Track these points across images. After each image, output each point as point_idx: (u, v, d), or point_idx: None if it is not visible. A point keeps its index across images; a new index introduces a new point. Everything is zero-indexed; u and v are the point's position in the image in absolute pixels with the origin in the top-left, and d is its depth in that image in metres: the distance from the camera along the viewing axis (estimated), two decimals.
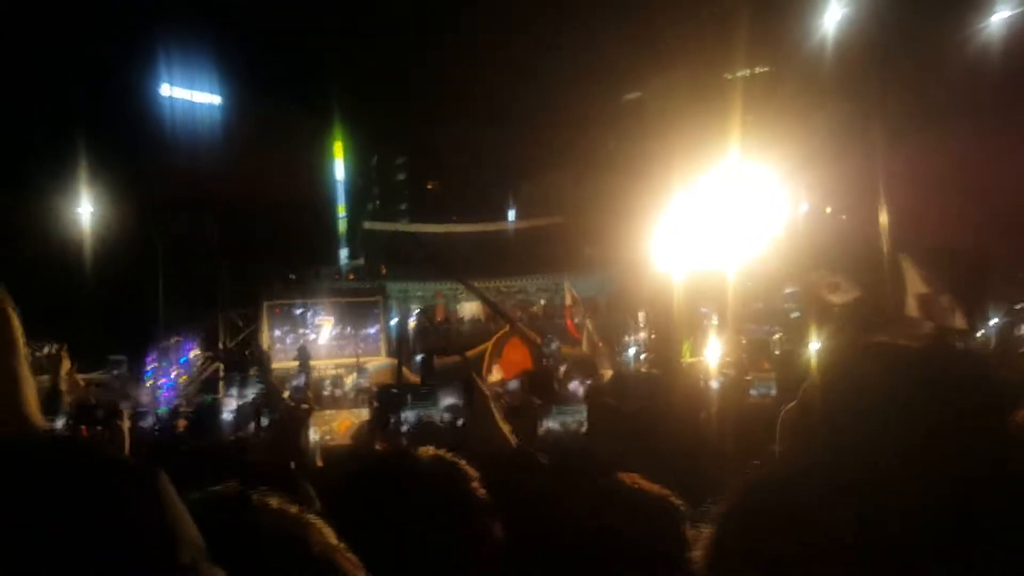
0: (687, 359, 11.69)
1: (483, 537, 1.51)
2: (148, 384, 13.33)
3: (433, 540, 1.41)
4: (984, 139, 11.90)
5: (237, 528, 0.84)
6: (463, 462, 1.57)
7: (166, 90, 23.01)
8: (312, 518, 0.91)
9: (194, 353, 15.21)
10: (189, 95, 23.49)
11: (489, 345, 17.40)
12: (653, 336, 15.70)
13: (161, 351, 14.00)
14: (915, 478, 0.87)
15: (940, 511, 0.84)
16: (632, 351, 16.05)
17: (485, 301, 19.04)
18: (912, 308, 8.50)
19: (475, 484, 1.56)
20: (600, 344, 11.98)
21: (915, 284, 8.74)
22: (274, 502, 0.92)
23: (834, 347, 1.16)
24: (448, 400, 8.75)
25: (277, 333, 19.78)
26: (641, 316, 17.29)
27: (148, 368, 13.19)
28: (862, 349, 1.02)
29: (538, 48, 23.59)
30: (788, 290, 14.55)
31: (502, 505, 1.72)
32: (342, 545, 0.91)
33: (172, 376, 13.74)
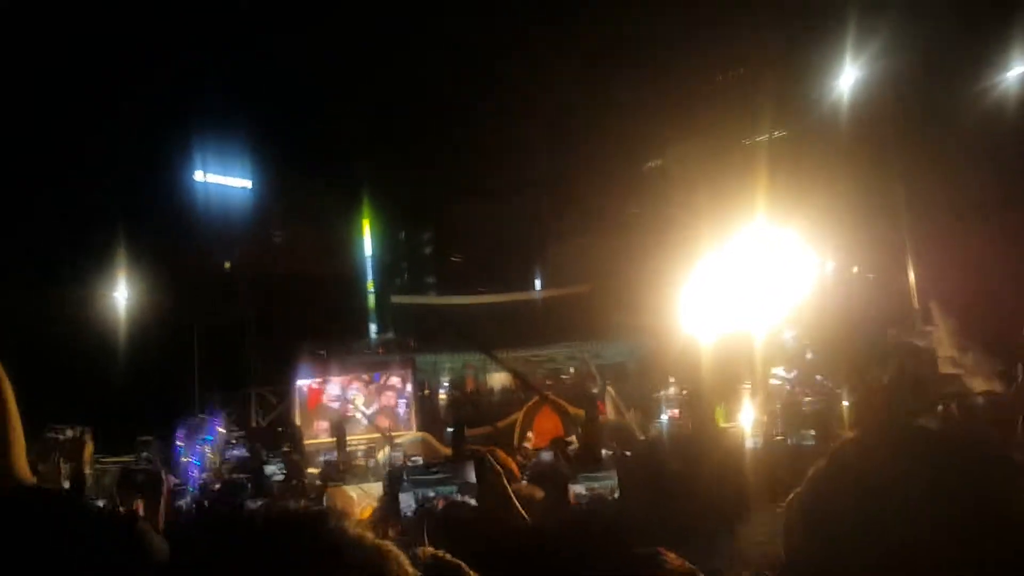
0: (721, 423, 11.50)
1: None
2: (182, 461, 13.37)
3: None
4: (1014, 199, 11.81)
5: (316, 551, 0.82)
6: (463, 566, 1.51)
7: (199, 176, 23.72)
8: (390, 546, 0.89)
9: (221, 429, 15.26)
10: (222, 180, 24.19)
11: (520, 415, 17.29)
12: (684, 393, 15.47)
13: (189, 429, 14.07)
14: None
15: None
16: (666, 416, 15.81)
17: (511, 372, 19.00)
18: (944, 366, 8.32)
19: None
20: (626, 411, 11.85)
21: (944, 342, 8.57)
22: (351, 526, 0.89)
23: (865, 432, 1.11)
24: (464, 479, 8.61)
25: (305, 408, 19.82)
26: (672, 381, 17.10)
27: (178, 445, 13.24)
28: (879, 437, 1.00)
29: (558, 121, 24.05)
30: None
31: None
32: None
33: (199, 452, 13.77)
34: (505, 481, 2.42)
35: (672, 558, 2.32)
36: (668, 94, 20.22)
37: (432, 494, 8.02)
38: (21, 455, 0.79)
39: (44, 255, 17.58)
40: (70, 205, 17.89)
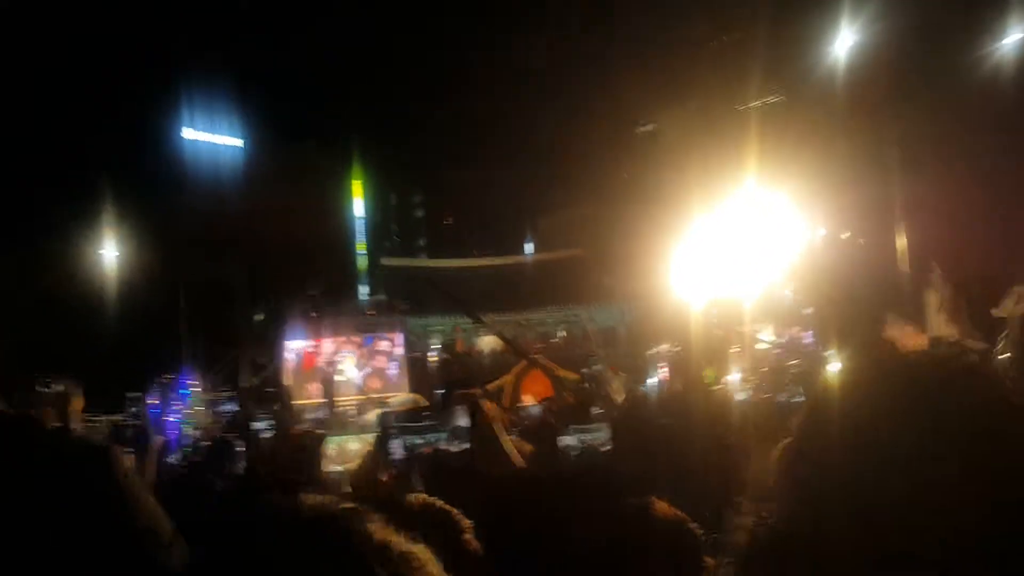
0: (710, 383, 11.62)
1: None
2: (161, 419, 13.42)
3: None
4: (1005, 159, 11.83)
5: (340, 556, 0.77)
6: (455, 512, 1.50)
7: (188, 133, 23.45)
8: (417, 552, 0.84)
9: (194, 386, 15.30)
10: (211, 138, 23.92)
11: (510, 377, 17.40)
12: (678, 349, 15.56)
13: (162, 389, 14.10)
14: (940, 514, 0.80)
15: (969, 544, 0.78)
16: (654, 378, 15.94)
17: (500, 337, 19.08)
18: (933, 326, 8.41)
19: (467, 536, 1.50)
20: (613, 371, 11.97)
21: (934, 302, 8.66)
22: (378, 530, 0.83)
23: (850, 368, 1.08)
24: (454, 424, 8.68)
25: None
26: (664, 346, 17.22)
27: (153, 405, 13.29)
28: (866, 372, 0.96)
29: (552, 83, 23.84)
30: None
31: (508, 530, 1.69)
32: None
33: (179, 410, 13.84)
34: (496, 427, 2.43)
35: (664, 507, 2.36)
36: (661, 58, 20.04)
37: (420, 440, 8.08)
38: None
39: (33, 212, 17.44)
40: (59, 162, 17.70)
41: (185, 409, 14.05)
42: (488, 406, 2.77)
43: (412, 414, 13.37)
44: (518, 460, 2.41)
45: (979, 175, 11.59)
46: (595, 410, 11.11)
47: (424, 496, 1.53)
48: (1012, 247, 10.27)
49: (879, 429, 0.89)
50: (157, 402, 13.22)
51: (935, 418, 0.87)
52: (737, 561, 1.23)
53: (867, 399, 0.93)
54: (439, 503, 1.55)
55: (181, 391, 14.56)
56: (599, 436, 5.98)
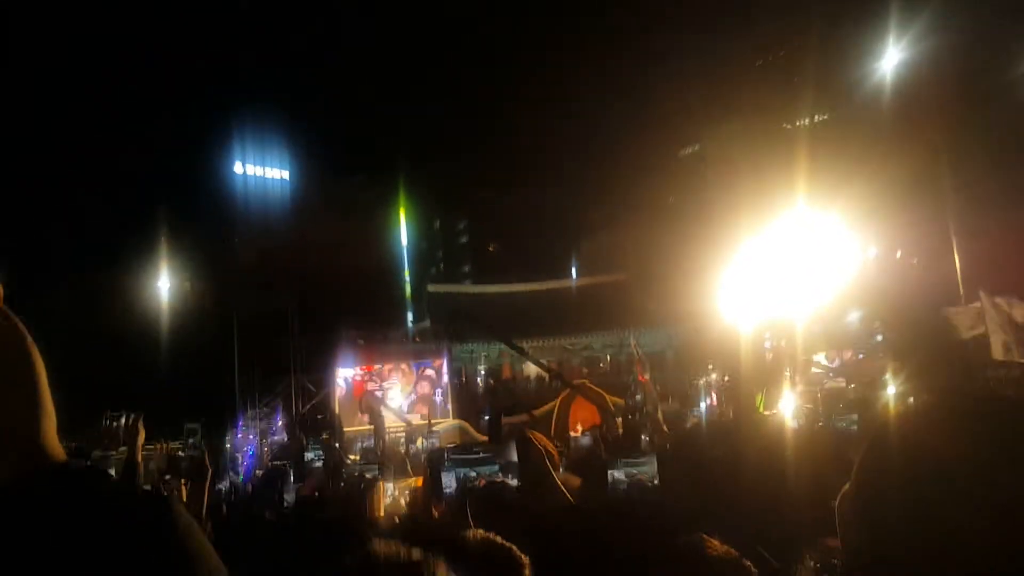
0: (761, 411, 11.40)
1: None
2: (227, 449, 13.63)
3: None
4: None
5: None
6: (514, 549, 1.50)
7: (239, 168, 24.06)
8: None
9: (248, 415, 15.54)
10: (260, 171, 24.50)
11: (556, 403, 17.28)
12: (726, 379, 15.32)
13: (249, 420, 14.32)
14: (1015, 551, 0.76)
15: None
16: (704, 404, 15.72)
17: (540, 366, 19.01)
18: (996, 350, 8.13)
19: (527, 573, 1.49)
20: (662, 397, 11.81)
21: (996, 324, 8.38)
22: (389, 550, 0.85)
23: (918, 406, 0.99)
24: (505, 458, 8.63)
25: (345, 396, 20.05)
26: (711, 368, 16.98)
27: (237, 434, 13.49)
28: (927, 412, 0.91)
29: (595, 106, 23.90)
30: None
31: (560, 566, 1.68)
32: None
33: (253, 443, 14.02)
34: (546, 459, 2.42)
35: (715, 544, 2.32)
36: (708, 78, 19.96)
37: (474, 474, 8.07)
38: (51, 428, 0.73)
39: (92, 248, 18.02)
40: (116, 199, 18.31)
41: (241, 437, 14.28)
42: (538, 438, 2.76)
43: (464, 447, 13.36)
44: (568, 494, 2.40)
45: None
46: (643, 438, 10.98)
47: (483, 532, 1.52)
48: None
49: (948, 465, 0.84)
50: (240, 435, 13.45)
51: (1008, 450, 0.82)
52: None
53: (933, 435, 0.89)
54: (499, 540, 1.54)
55: (237, 420, 14.81)
56: (647, 470, 5.87)
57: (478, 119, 26.20)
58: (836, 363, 14.88)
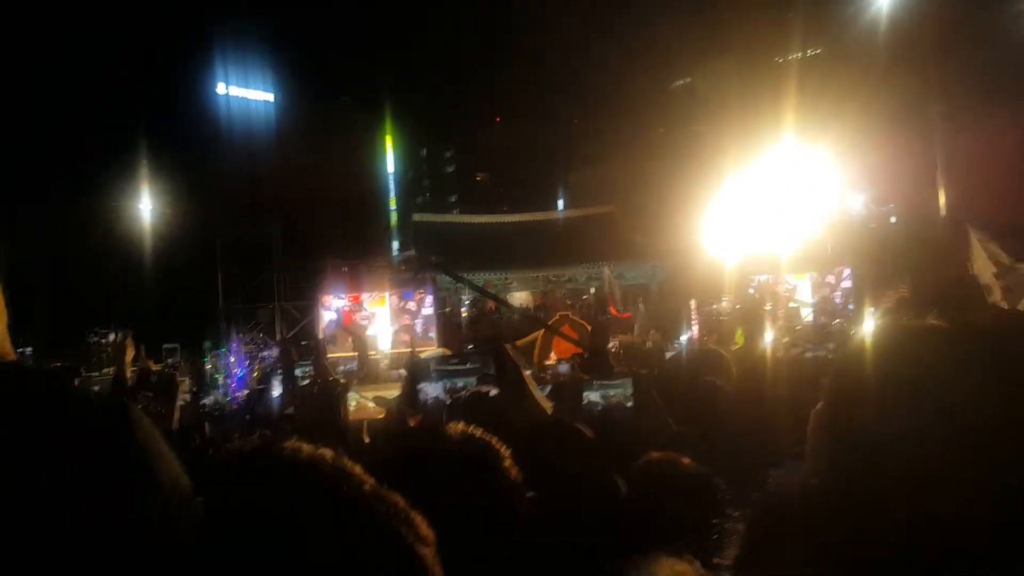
0: (741, 344, 11.55)
1: (514, 518, 1.46)
2: (208, 369, 13.71)
3: (461, 521, 1.34)
4: None
5: (267, 483, 0.77)
6: (494, 439, 1.52)
7: (221, 89, 23.51)
8: (350, 464, 0.82)
9: (236, 341, 15.62)
10: (244, 93, 23.96)
11: (539, 334, 17.44)
12: (737, 308, 15.44)
13: (204, 341, 14.39)
14: (982, 473, 0.78)
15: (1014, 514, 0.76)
16: (686, 337, 15.90)
17: (491, 297, 19.00)
18: (985, 284, 8.20)
19: (507, 463, 1.52)
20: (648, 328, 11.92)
21: (983, 259, 8.45)
22: (306, 449, 0.82)
23: (883, 330, 1.02)
24: (483, 370, 8.71)
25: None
26: (693, 304, 17.13)
27: (230, 357, 13.53)
28: (916, 330, 0.93)
29: (586, 37, 23.48)
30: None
31: (536, 477, 1.71)
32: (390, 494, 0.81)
33: (245, 368, 14.10)
34: (523, 371, 2.45)
35: (687, 462, 2.39)
36: (699, 11, 19.61)
37: (460, 383, 8.16)
38: (2, 328, 0.72)
39: (74, 169, 17.73)
40: (99, 122, 17.93)
41: (226, 358, 14.38)
42: (513, 352, 2.77)
43: (442, 358, 13.50)
44: (546, 406, 2.42)
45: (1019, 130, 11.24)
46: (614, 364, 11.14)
47: (463, 426, 1.54)
48: None
49: (916, 390, 0.86)
50: (203, 355, 13.54)
51: (978, 381, 0.84)
52: (763, 515, 1.22)
53: (906, 359, 0.90)
54: (479, 432, 1.55)
55: (221, 342, 14.90)
56: (622, 392, 5.95)
57: (468, 48, 25.68)
58: (816, 299, 15.07)
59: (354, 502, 0.79)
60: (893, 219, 13.94)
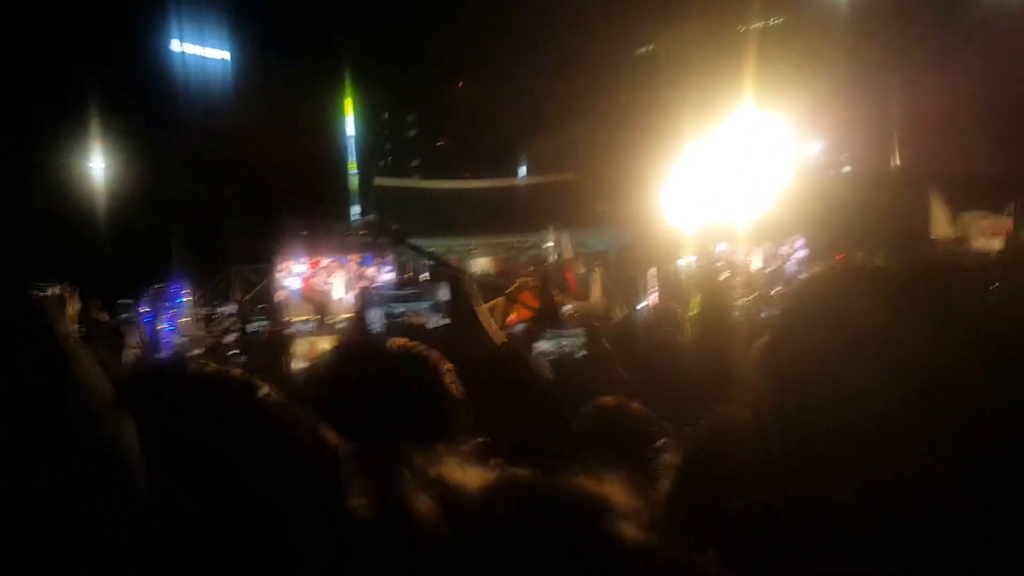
0: (697, 310, 11.71)
1: (450, 424, 1.47)
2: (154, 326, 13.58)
3: (399, 425, 1.36)
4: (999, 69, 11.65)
5: (178, 397, 0.80)
6: (436, 353, 1.54)
7: (176, 45, 22.87)
8: (257, 381, 0.85)
9: (187, 297, 15.46)
10: (199, 51, 23.33)
11: (501, 300, 17.47)
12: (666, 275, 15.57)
13: (153, 298, 14.24)
14: (913, 405, 0.77)
15: (947, 454, 0.75)
16: (645, 302, 16.03)
17: (446, 266, 18.98)
18: (940, 231, 8.38)
19: (448, 379, 1.53)
20: (611, 294, 12.00)
21: (941, 207, 8.65)
22: (212, 366, 0.86)
23: (827, 268, 1.01)
24: (433, 299, 8.62)
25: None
26: (651, 272, 17.28)
27: (146, 312, 13.42)
28: (855, 268, 0.93)
29: (551, 4, 23.24)
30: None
31: (484, 399, 1.72)
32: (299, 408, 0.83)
33: (172, 318, 14.00)
34: (476, 303, 2.45)
35: (636, 406, 2.44)
36: None
37: (401, 309, 8.07)
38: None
39: (23, 126, 17.13)
40: (50, 77, 17.32)
41: (178, 318, 14.23)
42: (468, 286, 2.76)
43: (395, 286, 13.43)
44: (498, 337, 2.43)
45: (974, 93, 11.45)
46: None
47: (404, 340, 1.55)
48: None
49: (848, 325, 0.86)
50: (148, 309, 13.36)
51: (908, 310, 0.85)
52: (698, 449, 1.23)
53: (837, 296, 0.91)
54: (420, 346, 1.57)
55: (174, 301, 14.71)
56: (575, 341, 6.00)
57: (431, 11, 25.28)
58: (773, 267, 15.32)
59: (256, 409, 0.81)
60: (847, 168, 14.15)
